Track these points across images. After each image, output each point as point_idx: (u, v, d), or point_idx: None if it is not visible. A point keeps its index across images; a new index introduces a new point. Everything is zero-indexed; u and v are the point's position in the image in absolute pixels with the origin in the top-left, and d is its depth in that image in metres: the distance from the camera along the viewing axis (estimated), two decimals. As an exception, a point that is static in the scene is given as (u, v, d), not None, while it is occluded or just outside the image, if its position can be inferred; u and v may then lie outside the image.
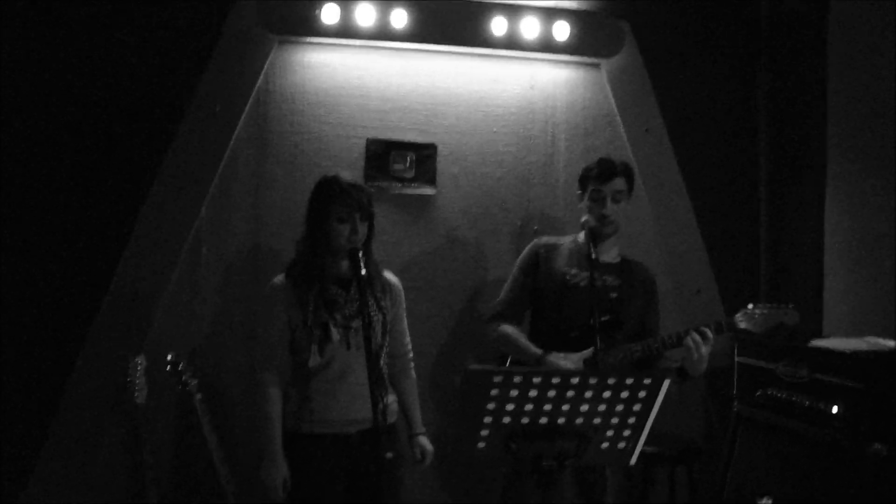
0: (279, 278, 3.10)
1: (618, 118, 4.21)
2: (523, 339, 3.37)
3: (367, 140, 4.00)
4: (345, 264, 3.07)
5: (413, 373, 3.36)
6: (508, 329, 3.42)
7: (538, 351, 3.27)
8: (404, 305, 3.31)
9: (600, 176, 3.34)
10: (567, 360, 3.20)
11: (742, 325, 3.12)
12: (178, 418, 3.76)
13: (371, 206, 3.06)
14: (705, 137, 4.42)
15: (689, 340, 3.07)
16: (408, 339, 3.35)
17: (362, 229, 3.02)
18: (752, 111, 4.49)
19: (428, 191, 4.06)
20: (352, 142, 3.99)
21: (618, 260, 3.45)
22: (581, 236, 3.44)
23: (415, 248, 4.06)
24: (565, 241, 3.49)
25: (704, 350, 3.06)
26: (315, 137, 3.96)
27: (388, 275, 3.27)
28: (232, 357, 3.85)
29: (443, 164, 4.07)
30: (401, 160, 4.02)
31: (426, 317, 4.05)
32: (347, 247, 2.98)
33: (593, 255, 3.12)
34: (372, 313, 2.98)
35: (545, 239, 3.54)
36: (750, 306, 3.13)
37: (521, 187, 4.16)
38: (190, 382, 3.43)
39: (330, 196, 3.02)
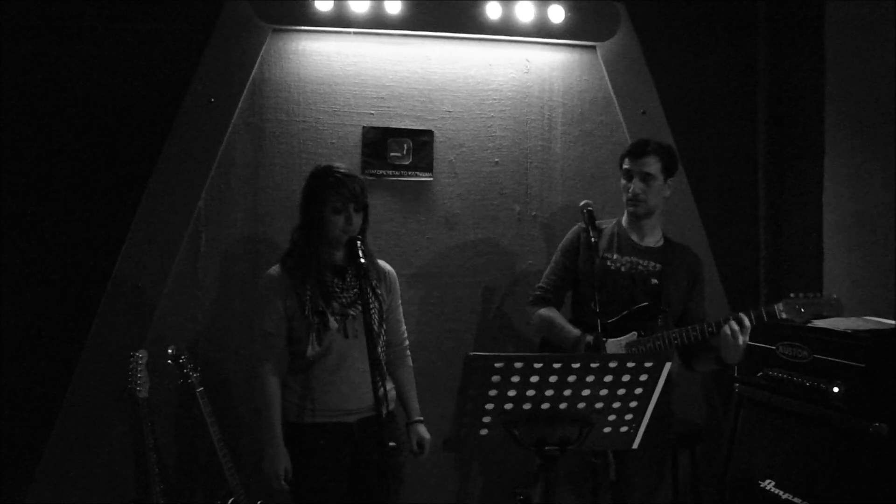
0: (275, 269, 3.11)
1: (614, 101, 4.21)
2: (562, 322, 3.39)
3: (364, 128, 4.00)
4: (340, 253, 3.09)
5: (409, 360, 3.37)
6: (547, 312, 3.46)
7: (576, 332, 3.29)
8: (399, 293, 3.32)
9: (630, 154, 3.37)
10: (611, 344, 3.22)
11: (784, 315, 3.07)
12: (180, 411, 3.77)
13: (365, 196, 3.06)
14: (703, 119, 4.42)
15: (726, 329, 3.06)
16: (403, 326, 3.36)
17: (357, 219, 3.03)
18: (751, 92, 4.49)
19: (425, 177, 4.06)
20: (348, 130, 4.00)
21: (660, 244, 3.45)
22: (624, 220, 3.47)
23: (413, 235, 4.07)
24: (607, 225, 3.48)
25: (741, 339, 3.04)
26: (311, 126, 3.96)
27: (382, 263, 3.28)
28: (233, 348, 3.86)
29: (439, 151, 4.08)
30: (397, 147, 4.02)
31: (424, 304, 4.07)
32: (343, 238, 3.01)
33: (593, 239, 3.14)
34: (369, 301, 2.99)
35: None
36: (792, 295, 3.08)
37: (519, 172, 4.17)
38: (191, 375, 3.45)
39: (324, 187, 3.02)
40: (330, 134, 3.98)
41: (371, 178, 3.96)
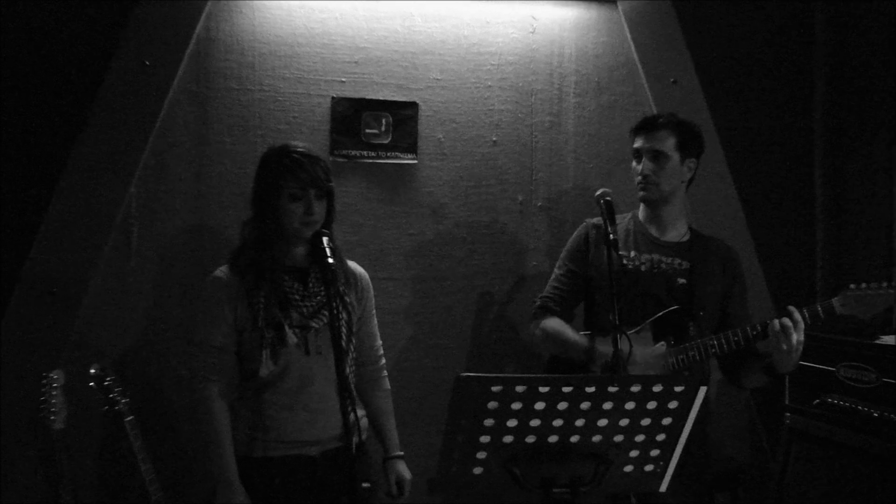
0: (222, 270, 3.12)
1: (639, 68, 4.21)
2: (569, 331, 3.42)
3: (333, 99, 3.98)
4: (300, 251, 3.11)
5: (387, 383, 3.38)
6: (551, 322, 3.48)
7: (583, 340, 3.32)
8: (374, 302, 3.34)
9: (639, 129, 3.44)
10: (639, 353, 3.22)
11: (843, 311, 3.07)
12: (105, 445, 3.75)
13: (329, 179, 3.09)
14: (748, 92, 4.42)
15: (775, 325, 3.05)
16: (379, 342, 3.37)
17: (319, 208, 3.05)
18: (807, 58, 4.48)
19: (408, 160, 4.05)
20: (314, 101, 3.98)
21: (686, 238, 3.49)
22: (640, 212, 3.51)
23: (392, 230, 4.06)
24: (621, 220, 3.51)
25: (794, 339, 3.02)
26: (269, 96, 3.94)
27: (353, 264, 3.29)
28: (171, 367, 3.83)
29: (425, 127, 4.07)
30: (374, 123, 4.01)
31: (406, 315, 4.06)
32: (303, 231, 3.03)
33: (612, 236, 3.11)
34: (338, 311, 2.97)
35: (597, 219, 3.54)
36: (852, 286, 3.08)
37: (522, 154, 4.17)
38: (119, 401, 3.40)
39: (279, 170, 3.04)
40: (291, 106, 3.96)
41: (341, 159, 3.95)
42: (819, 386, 3.43)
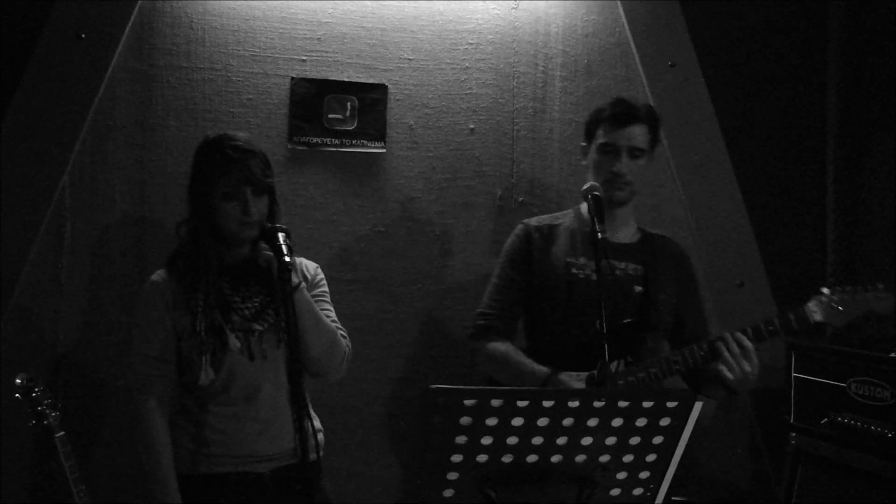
0: (159, 274, 3.13)
1: (633, 49, 4.23)
2: (522, 357, 3.37)
3: (293, 79, 3.99)
4: (241, 252, 3.12)
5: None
6: (500, 346, 3.43)
7: (543, 370, 3.26)
8: (326, 287, 3.32)
9: (614, 120, 3.35)
10: (584, 382, 3.19)
11: (817, 318, 3.09)
12: (32, 463, 3.73)
13: (267, 174, 3.08)
14: (754, 76, 4.43)
15: (720, 349, 3.07)
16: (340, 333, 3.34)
17: (258, 206, 3.05)
18: (820, 42, 4.50)
19: (375, 148, 4.06)
20: (271, 81, 3.98)
21: (636, 238, 3.48)
22: (584, 209, 3.43)
23: (357, 226, 4.06)
24: (563, 219, 3.51)
25: (746, 367, 3.04)
26: (220, 76, 3.94)
27: (304, 262, 3.29)
28: (108, 377, 3.83)
29: (395, 113, 4.08)
30: (338, 107, 4.02)
31: (372, 321, 4.07)
32: (243, 233, 3.03)
33: (600, 234, 3.11)
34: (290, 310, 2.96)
35: (536, 219, 3.55)
36: (825, 291, 3.11)
37: (502, 143, 4.18)
38: (49, 415, 3.38)
39: (210, 167, 3.05)
40: (245, 87, 3.96)
41: (301, 147, 3.96)
42: (828, 403, 3.44)
